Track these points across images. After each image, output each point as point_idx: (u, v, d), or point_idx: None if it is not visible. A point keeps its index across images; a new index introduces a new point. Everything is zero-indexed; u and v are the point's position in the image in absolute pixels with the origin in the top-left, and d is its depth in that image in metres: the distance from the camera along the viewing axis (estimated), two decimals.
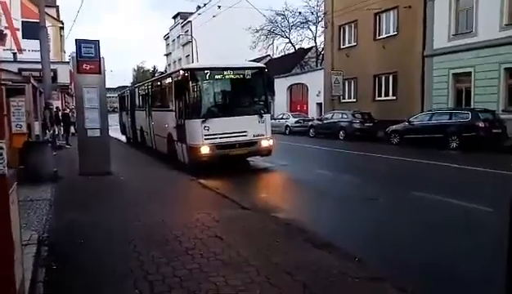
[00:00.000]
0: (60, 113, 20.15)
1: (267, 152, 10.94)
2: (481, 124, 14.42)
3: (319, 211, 6.96)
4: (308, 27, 39.12)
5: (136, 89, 17.63)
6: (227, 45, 40.88)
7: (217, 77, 10.53)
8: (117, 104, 31.02)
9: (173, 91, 11.11)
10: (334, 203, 7.50)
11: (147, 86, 15.42)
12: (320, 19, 35.00)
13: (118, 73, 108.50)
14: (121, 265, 4.13)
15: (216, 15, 29.93)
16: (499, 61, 16.71)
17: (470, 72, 18.23)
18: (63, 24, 31.92)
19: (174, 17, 61.56)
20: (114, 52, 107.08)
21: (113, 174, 9.69)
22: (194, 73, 10.28)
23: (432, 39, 19.96)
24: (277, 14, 38.95)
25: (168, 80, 12.15)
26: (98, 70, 9.67)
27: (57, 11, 34.24)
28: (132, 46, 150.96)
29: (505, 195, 2.51)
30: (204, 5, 28.88)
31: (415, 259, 4.60)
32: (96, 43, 9.63)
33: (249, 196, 7.67)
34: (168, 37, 65.50)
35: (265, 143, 10.74)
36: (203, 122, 9.93)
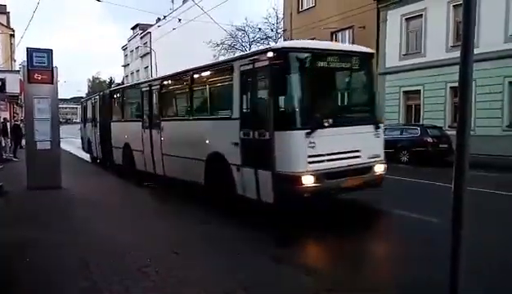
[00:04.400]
0: (8, 125, 19.15)
1: (379, 181, 7.25)
2: (429, 139, 15.24)
3: None
4: (268, 43, 39.81)
5: (119, 93, 13.45)
6: (187, 58, 40.66)
7: (319, 64, 6.77)
8: (70, 116, 29.68)
9: (248, 86, 6.98)
10: None
11: (151, 85, 10.61)
12: (279, 36, 35.78)
13: (72, 83, 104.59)
14: (71, 284, 3.94)
15: (176, 27, 29.84)
16: (445, 80, 17.81)
17: (419, 90, 19.32)
18: (14, 31, 30.61)
19: (133, 28, 60.68)
20: (68, 62, 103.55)
21: (63, 188, 9.27)
22: (292, 56, 6.37)
23: (384, 58, 20.98)
24: (238, 29, 39.37)
25: (230, 67, 7.45)
26: (50, 80, 9.30)
27: (7, 18, 32.79)
28: (88, 57, 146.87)
29: (448, 206, 2.67)
30: (164, 17, 28.73)
31: (368, 269, 4.74)
32: (49, 52, 9.29)
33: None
34: (127, 47, 64.36)
35: (379, 169, 7.13)
36: (307, 134, 6.14)
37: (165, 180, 9.74)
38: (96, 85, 77.08)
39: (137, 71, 57.43)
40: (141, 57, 55.55)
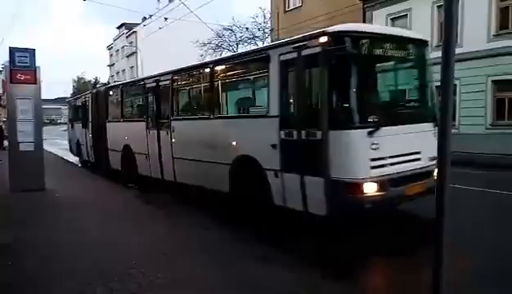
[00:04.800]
0: None
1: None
2: None
3: None
4: (255, 43, 39.80)
5: (116, 90, 12.06)
6: (174, 57, 40.46)
7: (380, 51, 5.89)
8: (55, 117, 28.84)
9: (290, 77, 5.95)
10: None
11: (158, 81, 9.33)
12: (267, 35, 35.83)
13: (57, 83, 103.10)
14: (55, 285, 3.88)
15: (162, 27, 29.66)
16: None
17: None
18: None
19: (119, 27, 60.13)
20: (53, 62, 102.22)
21: (48, 190, 9.12)
22: (351, 42, 5.40)
23: None
24: (225, 28, 39.30)
25: (265, 57, 6.35)
26: (34, 80, 9.15)
27: None
28: (73, 57, 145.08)
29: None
30: (150, 16, 28.53)
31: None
32: (32, 52, 9.12)
33: None
34: (112, 47, 63.74)
35: None
36: (370, 134, 5.24)
37: (175, 186, 8.76)
38: (81, 85, 76.16)
39: (123, 71, 56.95)
40: (127, 57, 55.12)
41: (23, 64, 9.04)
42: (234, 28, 39.25)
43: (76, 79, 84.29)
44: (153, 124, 9.38)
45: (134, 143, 10.31)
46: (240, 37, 39.77)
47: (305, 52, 5.61)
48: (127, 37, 55.10)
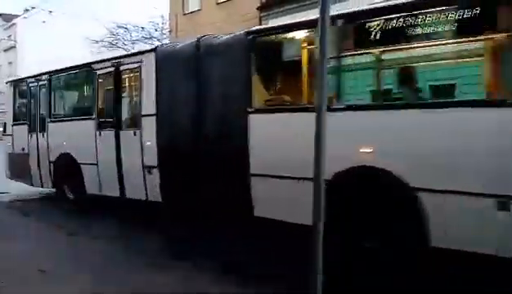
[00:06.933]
0: None
1: None
2: None
3: None
4: (152, 43, 38.71)
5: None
6: (62, 53, 37.26)
7: None
8: None
9: None
10: None
11: None
12: (165, 36, 35.09)
13: None
14: None
15: (46, 21, 27.16)
16: None
17: None
18: None
19: None
20: None
21: None
22: None
23: None
24: (119, 26, 37.48)
25: None
26: None
27: None
28: None
29: None
30: (33, 8, 25.94)
31: None
32: None
33: None
34: None
35: None
36: None
37: None
38: None
39: None
40: (5, 51, 49.19)
41: None
42: (129, 26, 37.70)
43: None
44: None
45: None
46: (136, 36, 38.34)
47: None
48: (5, 29, 49.22)
